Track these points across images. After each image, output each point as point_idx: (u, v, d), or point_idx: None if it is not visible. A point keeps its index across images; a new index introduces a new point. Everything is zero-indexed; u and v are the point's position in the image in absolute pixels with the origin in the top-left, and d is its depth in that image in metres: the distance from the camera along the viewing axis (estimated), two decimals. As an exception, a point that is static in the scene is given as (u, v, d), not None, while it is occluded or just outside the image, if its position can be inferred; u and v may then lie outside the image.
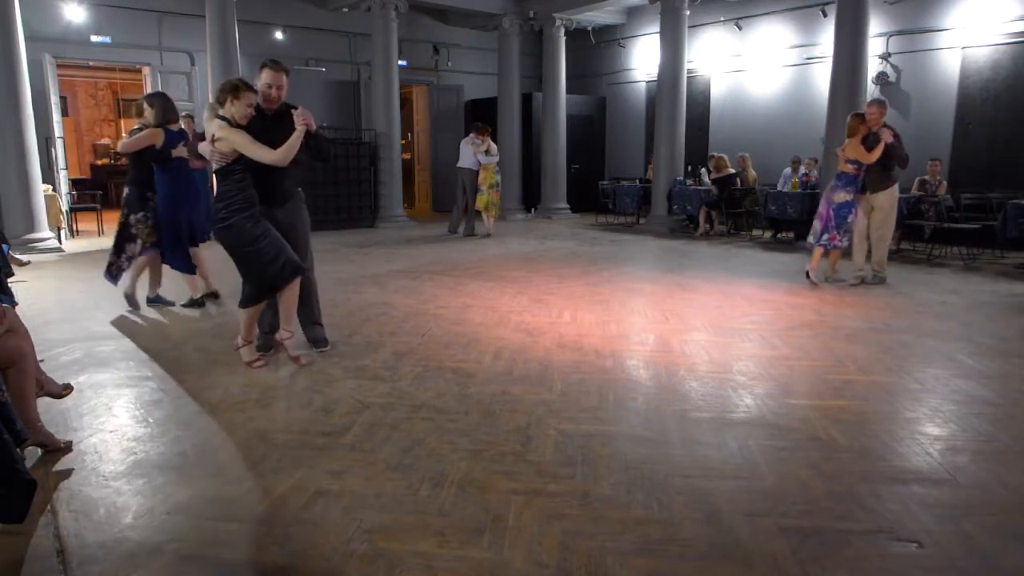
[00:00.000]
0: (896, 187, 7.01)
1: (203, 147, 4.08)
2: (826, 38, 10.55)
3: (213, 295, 6.21)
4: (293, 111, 4.17)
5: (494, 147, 10.87)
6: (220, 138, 3.95)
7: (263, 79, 4.25)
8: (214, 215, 4.12)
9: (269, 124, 4.21)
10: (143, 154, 5.58)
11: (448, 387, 3.98)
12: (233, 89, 4.00)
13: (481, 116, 13.07)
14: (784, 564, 2.28)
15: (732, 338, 5.03)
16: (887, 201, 6.97)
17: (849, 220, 6.99)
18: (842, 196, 6.95)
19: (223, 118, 4.00)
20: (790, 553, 2.33)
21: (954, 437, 3.31)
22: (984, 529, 2.49)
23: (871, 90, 9.98)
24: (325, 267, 6.41)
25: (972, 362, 4.46)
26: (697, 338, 5.03)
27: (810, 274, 7.09)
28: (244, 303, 4.26)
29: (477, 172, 10.76)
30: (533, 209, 14.04)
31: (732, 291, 6.72)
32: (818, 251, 7.13)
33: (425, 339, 4.99)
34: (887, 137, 6.69)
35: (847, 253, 7.24)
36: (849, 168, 6.88)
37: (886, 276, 7.12)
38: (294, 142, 4.07)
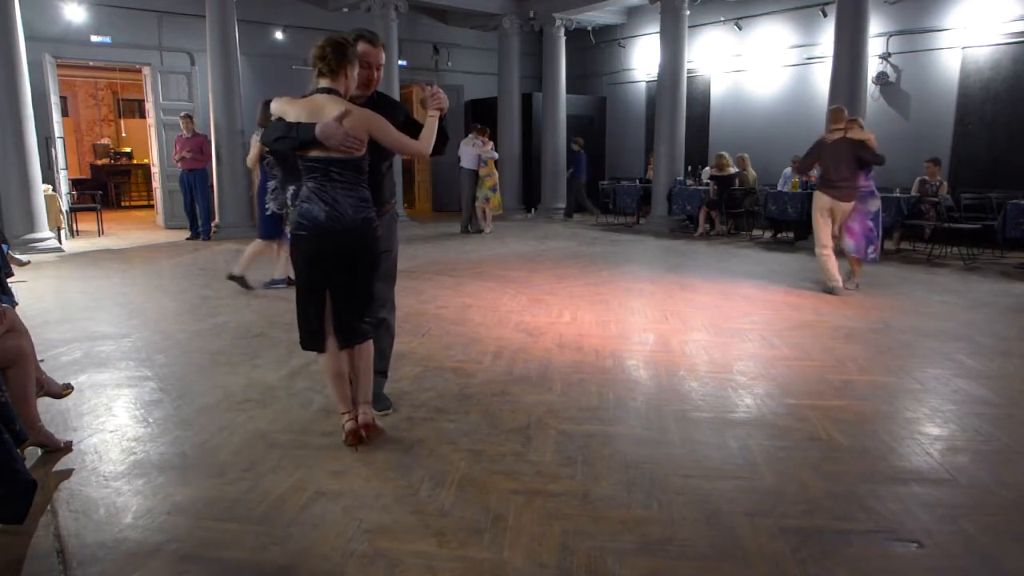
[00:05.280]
0: (816, 195, 6.54)
1: (326, 130, 2.82)
2: (826, 38, 10.54)
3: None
4: (424, 88, 3.18)
5: (491, 146, 11.46)
6: (348, 113, 2.84)
7: (361, 56, 3.06)
8: (363, 223, 2.99)
9: None
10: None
11: (448, 387, 3.97)
12: (347, 52, 2.92)
13: (481, 116, 13.11)
14: (784, 564, 2.28)
15: (732, 338, 5.03)
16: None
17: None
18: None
19: (329, 90, 2.91)
20: (790, 553, 2.33)
21: (954, 437, 3.31)
22: (984, 529, 2.49)
23: (871, 90, 9.99)
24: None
25: (972, 362, 4.46)
26: (697, 338, 5.03)
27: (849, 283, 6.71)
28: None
29: (477, 172, 11.19)
30: (533, 209, 14.05)
31: (732, 291, 6.71)
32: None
33: (425, 339, 4.99)
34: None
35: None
36: None
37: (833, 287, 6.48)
38: (432, 130, 3.09)
